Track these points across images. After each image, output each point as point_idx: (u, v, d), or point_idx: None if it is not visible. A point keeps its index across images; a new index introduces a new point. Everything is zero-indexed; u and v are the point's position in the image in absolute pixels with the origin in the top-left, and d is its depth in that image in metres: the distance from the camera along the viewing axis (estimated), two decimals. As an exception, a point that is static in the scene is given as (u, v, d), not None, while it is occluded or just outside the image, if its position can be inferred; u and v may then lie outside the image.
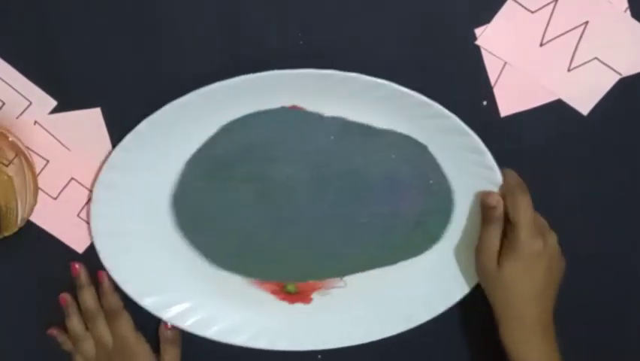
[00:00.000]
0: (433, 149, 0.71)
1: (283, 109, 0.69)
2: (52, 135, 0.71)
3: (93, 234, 0.72)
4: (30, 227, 0.73)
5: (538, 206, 0.69)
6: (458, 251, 0.75)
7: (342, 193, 0.73)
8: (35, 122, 0.70)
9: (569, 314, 0.72)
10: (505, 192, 0.69)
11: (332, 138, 0.70)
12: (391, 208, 0.74)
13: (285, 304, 0.78)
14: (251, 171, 0.72)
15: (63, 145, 0.71)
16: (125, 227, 0.73)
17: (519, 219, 0.68)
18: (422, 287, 0.76)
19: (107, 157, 0.70)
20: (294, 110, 0.69)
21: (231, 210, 0.73)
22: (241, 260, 0.76)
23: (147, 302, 0.75)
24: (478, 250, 0.71)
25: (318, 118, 0.70)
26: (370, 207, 0.73)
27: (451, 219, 0.74)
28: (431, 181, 0.72)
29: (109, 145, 0.71)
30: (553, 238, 0.69)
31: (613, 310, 0.77)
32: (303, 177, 0.72)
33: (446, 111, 0.67)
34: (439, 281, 0.76)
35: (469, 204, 0.73)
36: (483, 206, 0.70)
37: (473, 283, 0.74)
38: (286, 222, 0.74)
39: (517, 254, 0.68)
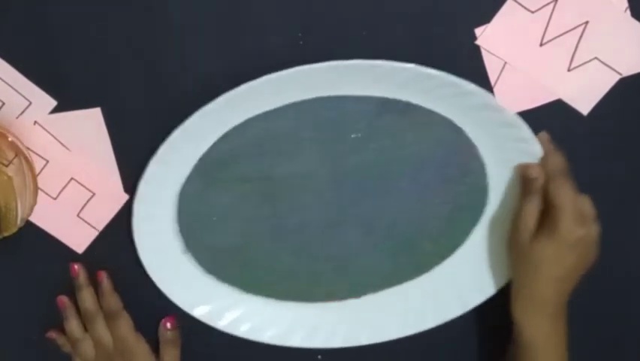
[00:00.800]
0: (469, 132, 0.70)
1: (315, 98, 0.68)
2: (52, 135, 0.71)
3: (139, 249, 0.72)
4: (30, 227, 0.73)
5: (539, 206, 0.69)
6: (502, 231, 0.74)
7: (364, 188, 0.71)
8: (35, 122, 0.70)
9: (568, 314, 0.72)
10: (547, 172, 0.69)
11: (369, 118, 0.68)
12: (420, 206, 0.72)
13: (335, 302, 0.76)
14: (254, 168, 0.70)
15: (63, 145, 0.71)
16: (167, 239, 0.72)
17: (563, 204, 0.67)
18: (473, 267, 0.74)
19: (144, 170, 0.69)
20: (325, 97, 0.68)
21: (228, 216, 0.72)
22: (240, 273, 0.75)
23: (199, 313, 0.74)
24: (514, 222, 0.70)
25: (355, 99, 0.68)
26: (396, 203, 0.72)
27: (483, 215, 0.73)
28: (465, 170, 0.71)
29: (109, 145, 0.71)
30: (594, 227, 0.68)
31: (613, 310, 0.77)
32: (318, 171, 0.71)
33: (474, 87, 0.67)
34: (489, 261, 0.74)
35: (503, 193, 0.72)
36: (523, 178, 0.70)
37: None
38: (291, 229, 0.73)
39: (555, 236, 0.67)
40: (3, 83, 0.69)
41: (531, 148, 0.69)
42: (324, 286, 0.75)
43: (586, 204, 0.68)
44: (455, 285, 0.75)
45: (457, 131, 0.70)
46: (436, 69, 0.66)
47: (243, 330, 0.75)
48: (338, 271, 0.75)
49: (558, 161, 0.69)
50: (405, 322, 0.76)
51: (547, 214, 0.68)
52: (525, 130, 0.69)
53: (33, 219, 0.73)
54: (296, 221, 0.72)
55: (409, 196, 0.72)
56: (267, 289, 0.75)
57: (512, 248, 0.71)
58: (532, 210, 0.69)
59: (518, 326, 0.70)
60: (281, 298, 0.76)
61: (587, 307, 0.77)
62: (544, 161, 0.69)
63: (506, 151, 0.70)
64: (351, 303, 0.76)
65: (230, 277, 0.75)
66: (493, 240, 0.74)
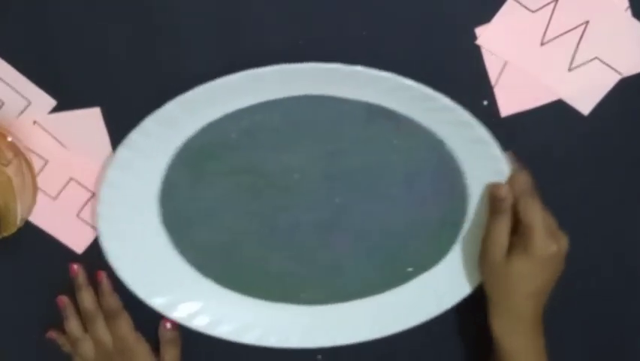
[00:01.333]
0: (450, 145, 0.70)
1: (305, 96, 0.68)
2: (52, 135, 0.71)
3: (99, 234, 0.71)
4: (29, 227, 0.73)
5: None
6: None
7: (355, 191, 0.71)
8: (35, 122, 0.70)
9: (568, 314, 0.72)
10: (515, 191, 0.69)
11: (359, 121, 0.68)
12: (409, 215, 0.72)
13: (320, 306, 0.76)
14: (243, 160, 0.70)
15: (62, 145, 0.71)
16: (131, 227, 0.72)
17: (533, 222, 0.67)
18: (452, 277, 0.75)
19: (110, 155, 0.69)
20: (317, 96, 0.68)
21: (216, 211, 0.72)
22: (225, 271, 0.74)
23: (156, 303, 0.74)
24: (486, 241, 0.71)
25: (344, 101, 0.68)
26: (387, 211, 0.72)
27: (462, 228, 0.73)
28: (452, 184, 0.71)
29: (108, 145, 0.71)
30: (564, 240, 0.69)
31: (612, 310, 0.77)
32: (309, 170, 0.70)
33: (448, 102, 0.66)
34: (467, 272, 0.75)
35: (479, 210, 0.72)
36: (492, 197, 0.70)
37: None
38: (280, 229, 0.72)
39: (530, 254, 0.68)
40: (3, 83, 0.69)
41: (500, 166, 0.69)
42: (310, 289, 0.75)
43: (553, 220, 0.69)
44: (435, 292, 0.75)
45: (440, 144, 0.69)
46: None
47: (199, 324, 0.75)
48: (327, 275, 0.74)
49: (525, 180, 0.69)
50: (375, 328, 0.76)
51: (517, 232, 0.69)
52: (495, 148, 0.68)
53: (32, 219, 0.73)
54: (285, 221, 0.72)
55: (399, 204, 0.72)
56: (253, 289, 0.75)
57: (485, 267, 0.71)
58: (502, 229, 0.69)
59: (499, 340, 0.71)
60: (266, 299, 0.75)
61: (587, 307, 0.77)
62: (511, 180, 0.69)
63: (480, 167, 0.70)
64: (335, 308, 0.76)
65: (215, 274, 0.74)
66: (470, 255, 0.74)
